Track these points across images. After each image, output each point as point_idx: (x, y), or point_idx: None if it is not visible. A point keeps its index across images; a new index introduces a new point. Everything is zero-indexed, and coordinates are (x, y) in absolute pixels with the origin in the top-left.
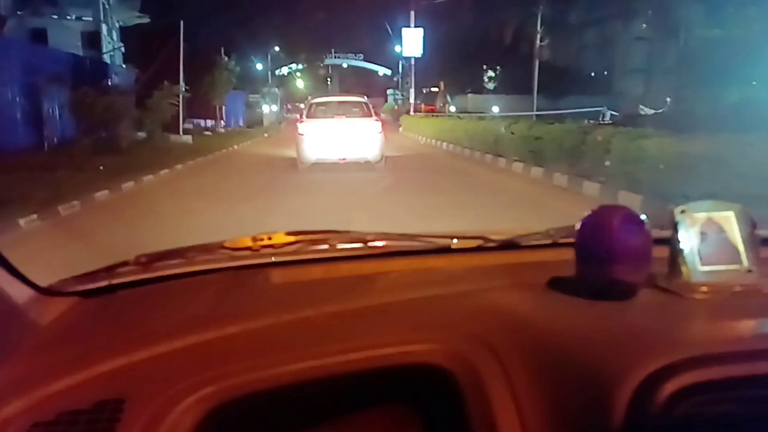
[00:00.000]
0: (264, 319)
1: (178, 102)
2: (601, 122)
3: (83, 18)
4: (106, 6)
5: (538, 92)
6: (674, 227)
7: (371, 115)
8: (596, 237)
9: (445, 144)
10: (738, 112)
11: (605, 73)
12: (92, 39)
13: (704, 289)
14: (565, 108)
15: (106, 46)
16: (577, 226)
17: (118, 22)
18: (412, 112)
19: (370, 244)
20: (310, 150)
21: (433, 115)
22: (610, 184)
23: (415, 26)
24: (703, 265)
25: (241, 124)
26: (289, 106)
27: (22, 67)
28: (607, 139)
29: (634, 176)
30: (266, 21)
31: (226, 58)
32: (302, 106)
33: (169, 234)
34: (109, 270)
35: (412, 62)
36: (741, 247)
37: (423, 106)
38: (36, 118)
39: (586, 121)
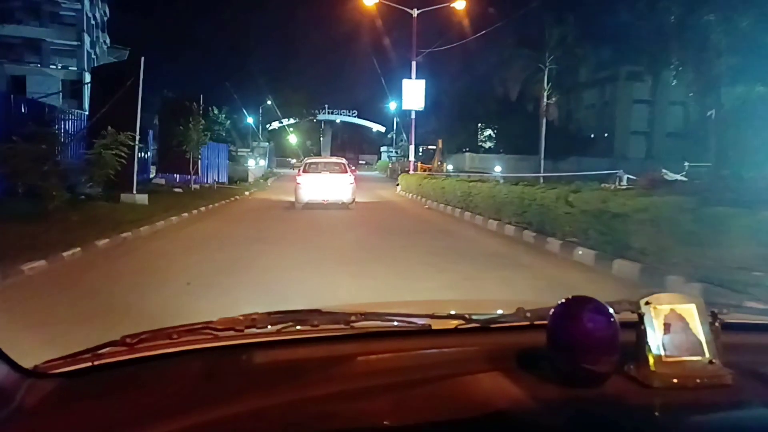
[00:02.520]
0: (246, 404)
1: (130, 152)
2: (618, 187)
3: (69, 67)
4: (93, 56)
5: (538, 153)
6: (640, 318)
7: (346, 172)
8: (566, 326)
9: (458, 211)
10: None
11: (605, 134)
12: (75, 87)
13: (669, 379)
14: (566, 170)
15: (88, 94)
16: (551, 311)
17: None
18: (411, 171)
19: (353, 324)
20: (304, 194)
21: (432, 174)
22: None
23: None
24: (667, 356)
25: (222, 179)
26: (292, 161)
27: None
28: None
29: None
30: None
31: (215, 110)
32: (293, 161)
33: None
34: (95, 351)
35: (413, 116)
36: (703, 339)
37: (420, 164)
38: None
39: (601, 185)
